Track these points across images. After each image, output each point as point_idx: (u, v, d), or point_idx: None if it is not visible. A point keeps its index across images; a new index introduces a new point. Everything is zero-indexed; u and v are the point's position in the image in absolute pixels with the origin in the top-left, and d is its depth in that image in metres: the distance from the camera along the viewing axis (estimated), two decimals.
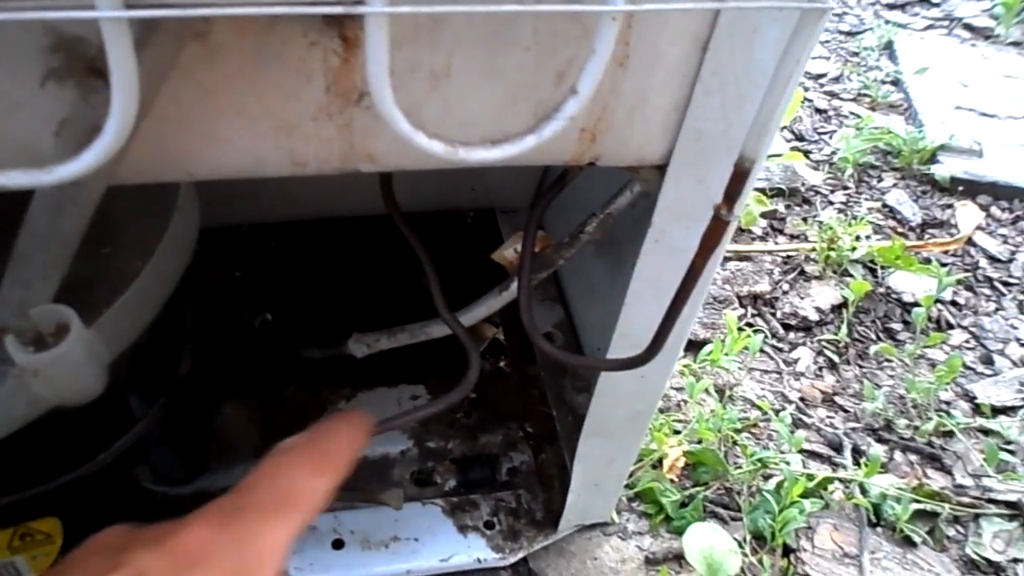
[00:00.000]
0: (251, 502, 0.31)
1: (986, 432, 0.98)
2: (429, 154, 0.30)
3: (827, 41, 1.91)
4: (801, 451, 0.93)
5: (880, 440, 0.97)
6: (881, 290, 1.18)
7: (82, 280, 0.50)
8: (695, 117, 0.39)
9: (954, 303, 1.19)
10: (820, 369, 1.06)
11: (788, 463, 0.87)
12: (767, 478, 0.88)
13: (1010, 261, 1.28)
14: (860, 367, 1.07)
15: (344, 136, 0.35)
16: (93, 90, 0.28)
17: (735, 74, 0.37)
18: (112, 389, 0.45)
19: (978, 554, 0.83)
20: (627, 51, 0.34)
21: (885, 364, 1.08)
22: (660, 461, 0.87)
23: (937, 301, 1.16)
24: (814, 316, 1.12)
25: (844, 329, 1.10)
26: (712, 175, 0.42)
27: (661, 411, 0.94)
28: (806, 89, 1.69)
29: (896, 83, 1.71)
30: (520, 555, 0.75)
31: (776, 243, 1.27)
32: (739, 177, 0.36)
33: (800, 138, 1.55)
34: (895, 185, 1.42)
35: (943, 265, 1.23)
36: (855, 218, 1.31)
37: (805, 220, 1.32)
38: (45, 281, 0.38)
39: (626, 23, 0.33)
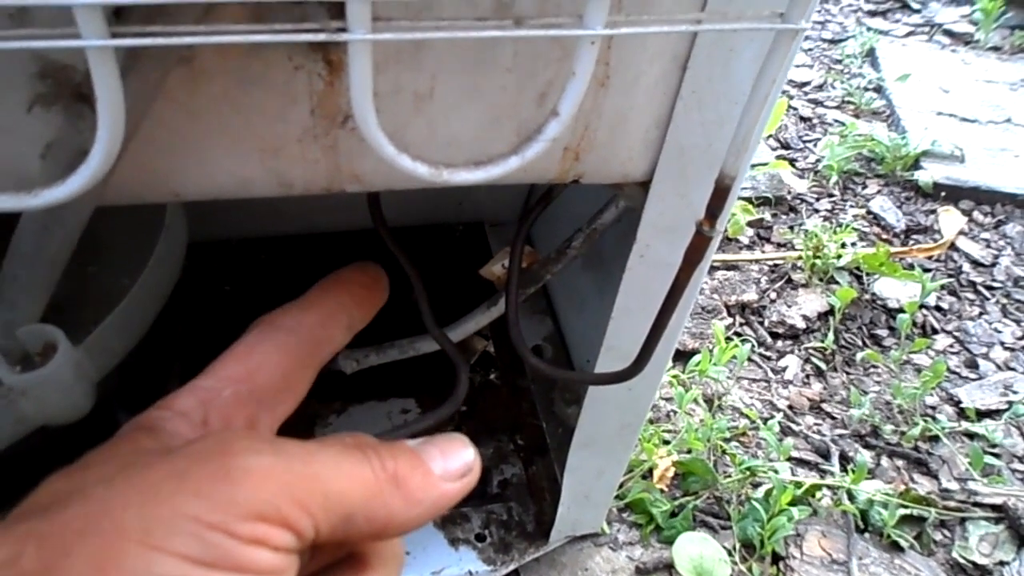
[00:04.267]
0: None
1: (971, 436, 0.99)
2: (413, 176, 0.31)
3: (810, 49, 1.93)
4: (789, 459, 0.93)
5: (867, 446, 0.98)
6: (867, 297, 1.19)
7: (70, 299, 0.50)
8: (676, 134, 0.39)
9: (938, 308, 1.20)
10: (808, 377, 1.07)
11: (776, 471, 0.88)
12: (756, 486, 0.89)
13: (993, 265, 1.29)
14: (847, 374, 1.08)
15: (330, 157, 0.35)
16: (80, 115, 0.28)
17: (714, 92, 0.38)
18: (101, 406, 0.45)
19: (965, 558, 0.84)
20: (607, 71, 0.35)
21: (871, 370, 1.09)
22: (650, 471, 0.87)
23: (922, 306, 1.17)
24: (801, 324, 1.13)
25: (831, 336, 1.11)
26: (695, 191, 0.43)
27: (650, 421, 0.95)
28: (790, 97, 1.71)
29: (879, 90, 1.73)
30: (511, 567, 0.75)
31: (763, 252, 1.28)
32: (720, 194, 0.36)
33: (785, 146, 1.57)
34: (879, 192, 1.44)
35: (927, 270, 1.24)
36: (840, 225, 1.33)
37: (791, 228, 1.33)
38: (32, 301, 0.38)
39: (605, 44, 0.34)
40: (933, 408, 1.03)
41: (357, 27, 0.25)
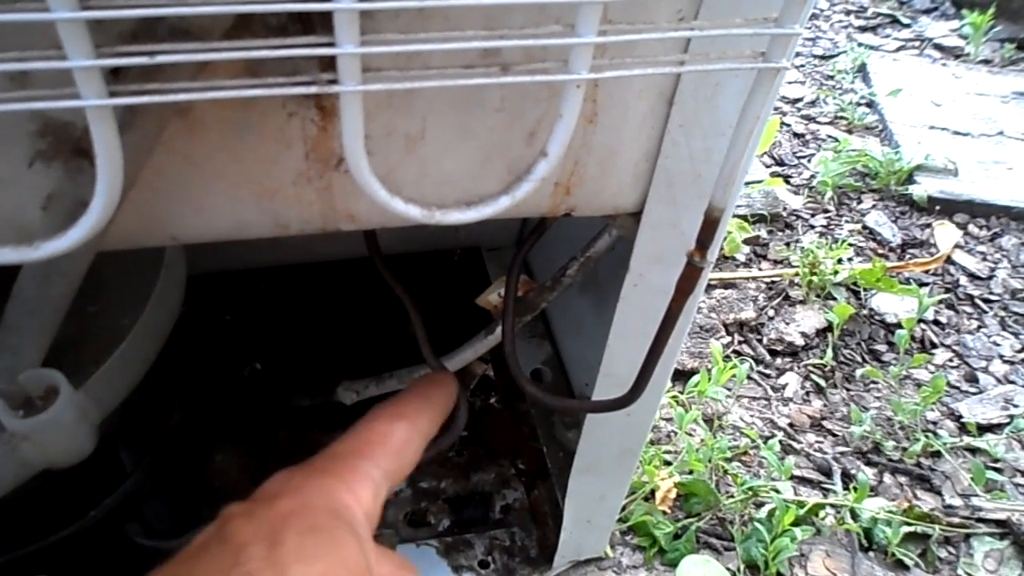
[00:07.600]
0: (331, 452, 0.33)
1: (973, 451, 0.99)
2: (407, 217, 0.32)
3: (802, 65, 1.94)
4: (791, 478, 0.93)
5: (869, 463, 0.97)
6: (864, 312, 1.20)
7: (71, 339, 0.50)
8: (665, 167, 0.40)
9: (936, 322, 1.20)
10: (807, 394, 1.07)
11: (779, 491, 0.88)
12: (759, 506, 0.89)
13: (989, 278, 1.30)
14: (847, 390, 1.08)
15: (325, 198, 0.36)
16: (79, 169, 0.29)
17: (701, 125, 0.38)
18: (102, 443, 0.45)
19: (970, 575, 0.84)
20: (595, 108, 0.36)
21: (871, 386, 1.09)
22: (652, 493, 0.87)
23: (920, 321, 1.17)
24: (800, 341, 1.14)
25: (830, 353, 1.11)
26: (685, 221, 0.43)
27: (651, 443, 0.95)
28: (783, 114, 1.72)
29: (871, 105, 1.74)
30: None
31: (760, 269, 1.29)
32: (710, 226, 0.37)
33: (780, 163, 1.58)
34: (874, 207, 1.45)
35: (924, 285, 1.24)
36: (836, 241, 1.33)
37: (787, 245, 1.34)
38: (34, 347, 0.39)
39: (592, 83, 0.34)
40: (934, 423, 1.03)
41: (348, 79, 0.26)
